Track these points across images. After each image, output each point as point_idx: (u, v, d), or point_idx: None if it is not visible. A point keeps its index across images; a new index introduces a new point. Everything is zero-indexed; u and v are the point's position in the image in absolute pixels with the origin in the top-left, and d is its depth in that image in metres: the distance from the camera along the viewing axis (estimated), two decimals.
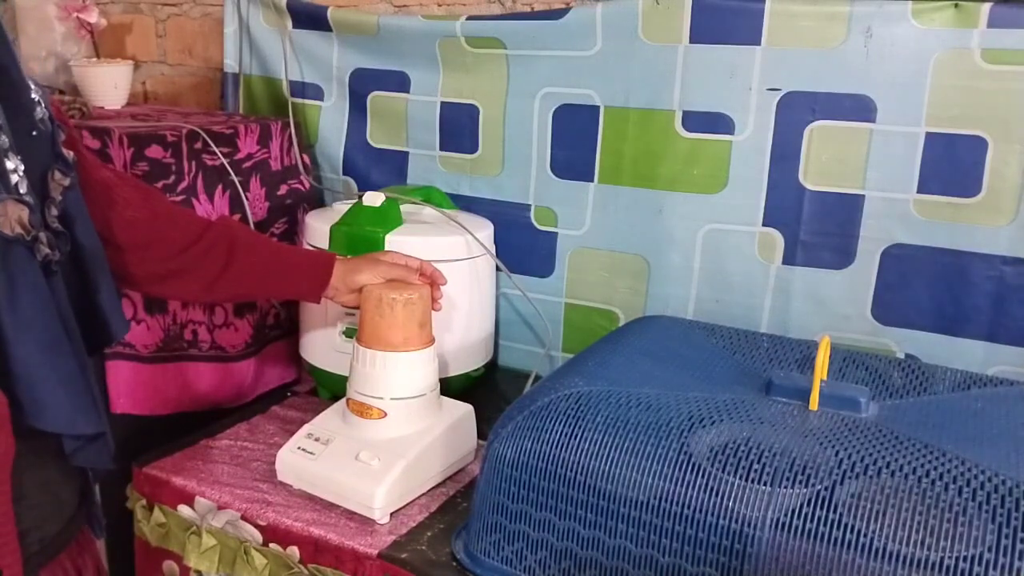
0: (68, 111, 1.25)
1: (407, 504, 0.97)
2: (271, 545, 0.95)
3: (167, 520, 1.04)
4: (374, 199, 1.17)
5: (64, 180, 0.72)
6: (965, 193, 1.06)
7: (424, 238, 1.16)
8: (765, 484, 0.72)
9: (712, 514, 0.72)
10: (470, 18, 1.27)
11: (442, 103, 1.35)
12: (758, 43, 1.12)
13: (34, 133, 0.70)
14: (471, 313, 1.22)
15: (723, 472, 0.73)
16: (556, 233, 1.32)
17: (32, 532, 0.71)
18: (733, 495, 0.72)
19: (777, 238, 1.17)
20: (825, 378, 0.86)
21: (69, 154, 0.74)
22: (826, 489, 0.70)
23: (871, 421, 0.82)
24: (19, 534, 0.68)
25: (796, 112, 1.12)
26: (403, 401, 0.99)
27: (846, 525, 0.68)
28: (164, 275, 0.93)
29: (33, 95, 0.72)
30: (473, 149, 1.35)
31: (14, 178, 0.67)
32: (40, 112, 0.72)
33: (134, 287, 0.99)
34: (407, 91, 1.38)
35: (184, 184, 1.14)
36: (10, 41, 0.70)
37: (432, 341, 1.01)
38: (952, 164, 1.06)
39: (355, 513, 0.94)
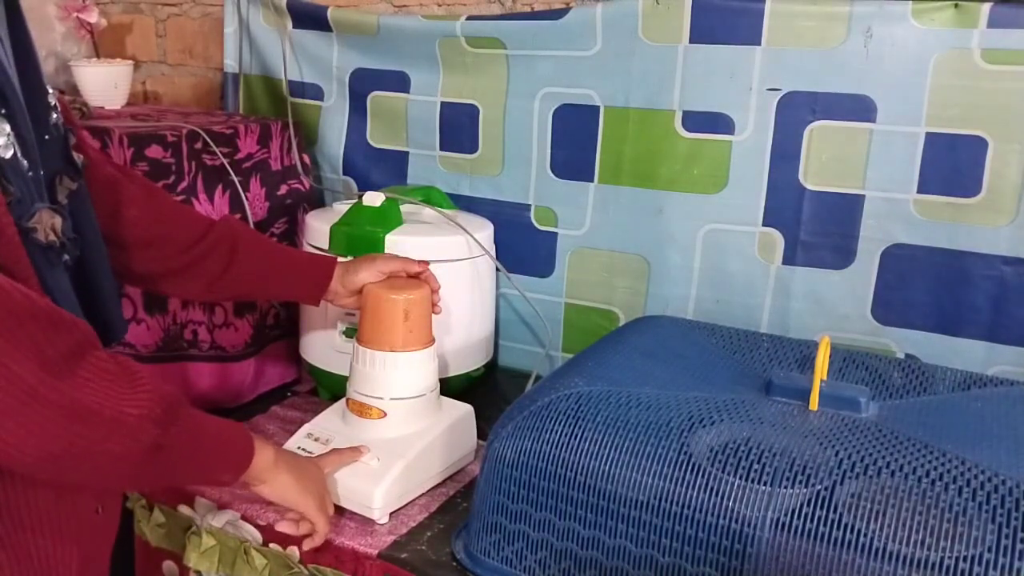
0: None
1: (407, 504, 0.97)
2: (271, 545, 0.95)
3: (167, 520, 1.04)
4: (374, 199, 1.17)
5: (72, 184, 0.73)
6: (965, 193, 1.06)
7: (424, 238, 1.16)
8: (765, 484, 0.72)
9: (712, 514, 0.72)
10: (470, 18, 1.27)
11: (442, 103, 1.35)
12: (758, 43, 1.12)
13: (47, 137, 0.71)
14: (471, 313, 1.22)
15: (723, 472, 0.73)
16: (556, 233, 1.32)
17: None
18: (733, 495, 0.72)
19: (777, 238, 1.17)
20: (825, 378, 0.86)
21: (79, 157, 0.75)
22: (826, 489, 0.70)
23: (871, 421, 0.82)
24: None
25: (796, 112, 1.12)
26: (403, 401, 0.99)
27: (846, 525, 0.68)
28: (165, 273, 0.93)
29: (50, 99, 0.72)
30: (473, 149, 1.35)
31: (43, 185, 0.69)
32: (54, 117, 0.72)
33: (135, 283, 0.99)
34: (407, 91, 1.38)
35: (184, 184, 1.14)
36: (35, 47, 0.71)
37: (432, 341, 1.01)
38: (952, 164, 1.06)
39: (355, 513, 0.94)
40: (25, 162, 0.66)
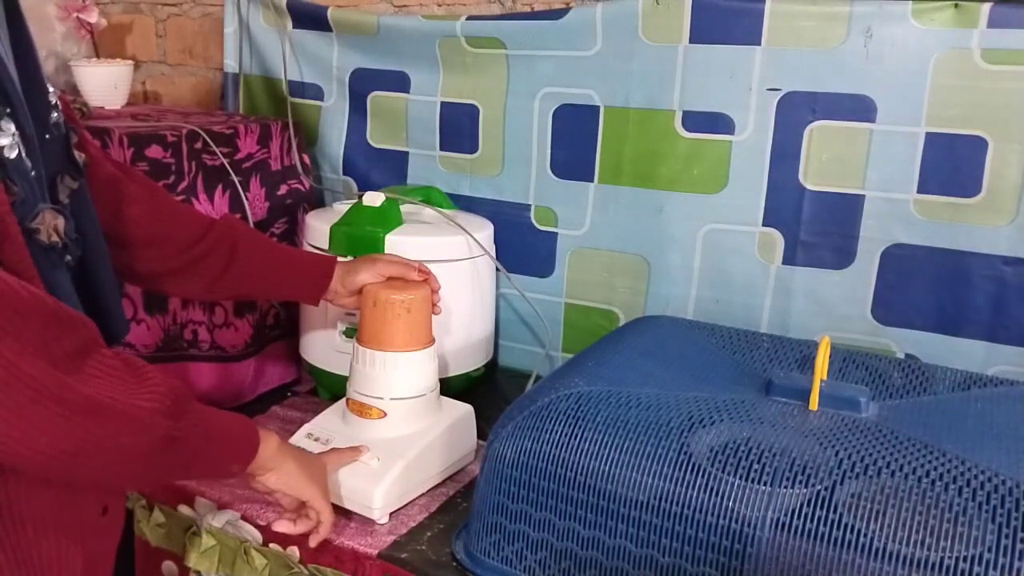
0: None
1: (407, 504, 0.97)
2: (271, 545, 0.95)
3: (167, 520, 1.04)
4: (374, 199, 1.17)
5: (73, 184, 0.73)
6: (965, 193, 1.06)
7: (424, 238, 1.16)
8: (765, 484, 0.72)
9: (712, 514, 0.72)
10: (470, 18, 1.27)
11: (442, 103, 1.35)
12: (758, 43, 1.12)
13: (48, 137, 0.70)
14: (471, 313, 1.22)
15: (723, 472, 0.73)
16: (556, 233, 1.32)
17: None
18: (733, 495, 0.72)
19: (777, 238, 1.17)
20: (825, 378, 0.86)
21: (80, 156, 0.75)
22: (826, 489, 0.70)
23: (871, 421, 0.82)
24: None
25: (796, 112, 1.12)
26: (403, 401, 0.99)
27: (846, 525, 0.68)
28: (166, 272, 0.93)
29: (51, 98, 0.72)
30: (473, 149, 1.35)
31: (45, 186, 0.69)
32: (55, 116, 0.72)
33: (136, 282, 0.99)
34: (407, 91, 1.38)
35: (184, 184, 1.14)
36: (35, 46, 0.71)
37: (432, 341, 1.01)
38: (952, 164, 1.06)
39: (355, 513, 0.94)
40: (28, 162, 0.66)
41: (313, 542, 0.88)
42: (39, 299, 0.61)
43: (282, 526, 0.87)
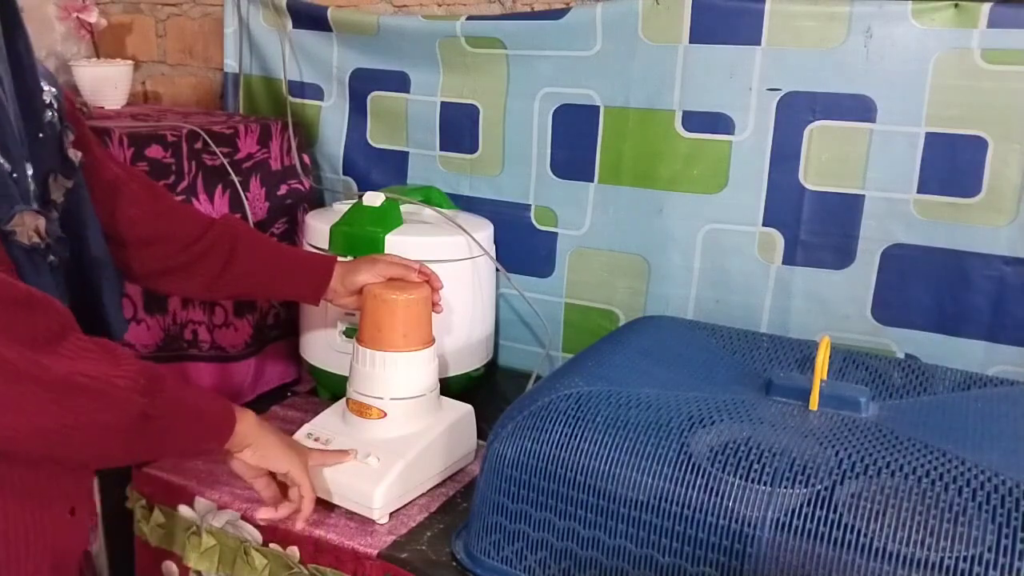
0: None
1: (407, 504, 0.97)
2: (271, 545, 0.95)
3: (167, 520, 1.04)
4: (374, 199, 1.17)
5: (67, 183, 0.73)
6: (965, 193, 1.06)
7: (424, 238, 1.16)
8: (765, 484, 0.72)
9: (712, 514, 0.72)
10: (470, 18, 1.27)
11: (442, 103, 1.35)
12: (758, 43, 1.12)
13: (40, 135, 0.70)
14: (471, 313, 1.22)
15: (723, 472, 0.73)
16: (556, 233, 1.32)
17: None
18: (733, 495, 0.72)
19: (777, 238, 1.17)
20: (825, 378, 0.86)
21: (76, 155, 0.75)
22: (826, 489, 0.70)
23: (871, 421, 0.82)
24: None
25: (796, 112, 1.12)
26: (403, 401, 0.99)
27: (846, 525, 0.68)
28: (165, 271, 0.94)
29: (45, 97, 0.72)
30: (473, 149, 1.35)
31: (30, 186, 0.68)
32: (49, 115, 0.72)
33: (135, 281, 1.00)
34: (407, 91, 1.38)
35: (184, 184, 1.14)
36: (31, 45, 0.71)
37: (432, 341, 1.02)
38: (952, 164, 1.06)
39: (355, 513, 0.94)
40: (7, 165, 0.66)
41: (299, 524, 0.88)
42: (8, 284, 0.62)
43: (264, 513, 0.88)
